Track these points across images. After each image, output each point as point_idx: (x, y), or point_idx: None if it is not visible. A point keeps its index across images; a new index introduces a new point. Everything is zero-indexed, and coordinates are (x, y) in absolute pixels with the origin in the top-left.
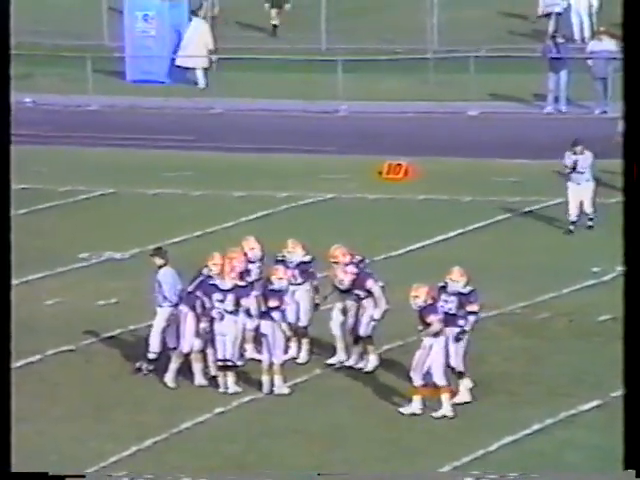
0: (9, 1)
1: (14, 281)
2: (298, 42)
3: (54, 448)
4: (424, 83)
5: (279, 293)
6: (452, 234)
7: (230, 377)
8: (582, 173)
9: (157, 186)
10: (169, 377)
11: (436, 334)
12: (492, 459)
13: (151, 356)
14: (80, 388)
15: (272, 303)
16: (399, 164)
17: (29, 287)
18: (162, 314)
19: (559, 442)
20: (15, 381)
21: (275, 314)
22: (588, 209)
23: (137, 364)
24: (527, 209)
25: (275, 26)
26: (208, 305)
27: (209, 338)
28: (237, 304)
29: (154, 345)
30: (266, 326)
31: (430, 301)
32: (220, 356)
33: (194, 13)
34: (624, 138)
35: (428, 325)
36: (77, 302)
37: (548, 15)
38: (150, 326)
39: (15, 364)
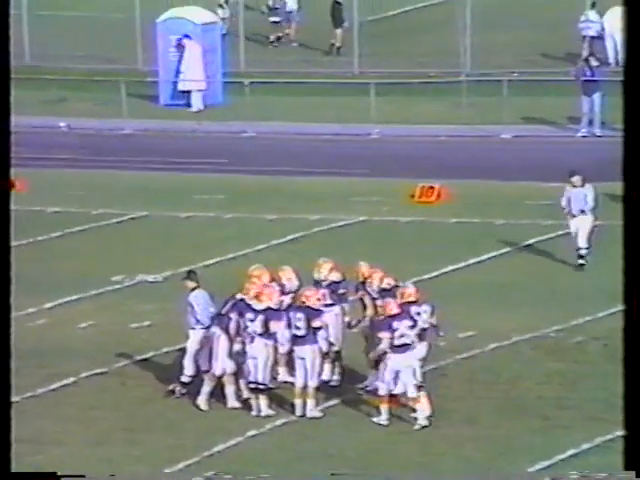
0: (8, 23)
1: (49, 304)
2: (331, 65)
3: (88, 471)
4: (457, 106)
5: (319, 313)
6: (485, 257)
7: (262, 400)
8: (579, 205)
9: (189, 209)
10: (202, 400)
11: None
12: None
13: (185, 379)
14: (113, 411)
15: (315, 324)
16: (431, 187)
17: (63, 310)
18: (195, 336)
19: (595, 468)
20: (49, 404)
21: (320, 334)
22: (582, 243)
23: (170, 387)
24: (561, 232)
25: (333, 45)
26: (241, 325)
27: (241, 361)
28: (266, 326)
29: (188, 368)
30: (306, 349)
31: (381, 317)
32: (252, 379)
33: (188, 36)
34: (624, 160)
35: (380, 340)
36: (110, 325)
37: (583, 38)
38: (183, 349)
39: (49, 387)
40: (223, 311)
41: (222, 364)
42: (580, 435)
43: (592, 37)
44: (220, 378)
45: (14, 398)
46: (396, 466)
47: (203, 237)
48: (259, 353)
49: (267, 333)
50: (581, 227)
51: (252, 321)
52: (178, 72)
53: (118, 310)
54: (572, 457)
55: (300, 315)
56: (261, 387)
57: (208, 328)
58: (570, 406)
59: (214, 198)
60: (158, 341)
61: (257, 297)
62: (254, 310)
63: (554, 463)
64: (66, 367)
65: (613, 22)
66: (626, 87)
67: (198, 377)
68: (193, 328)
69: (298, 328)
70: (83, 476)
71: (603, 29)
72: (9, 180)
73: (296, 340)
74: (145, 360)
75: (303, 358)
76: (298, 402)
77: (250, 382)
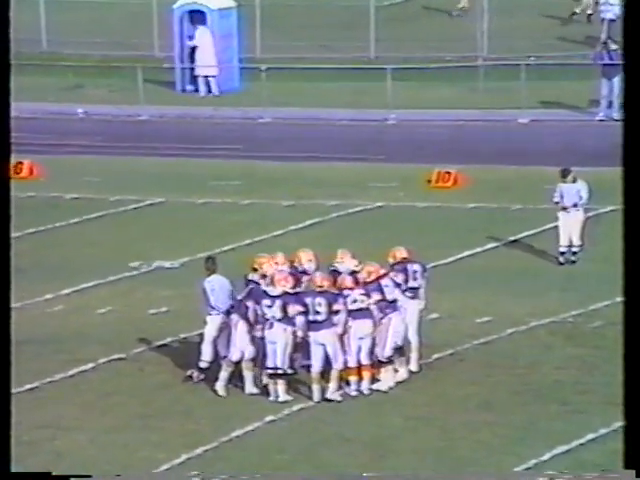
0: (9, 10)
1: (66, 290)
2: (347, 50)
3: (106, 456)
4: (474, 91)
5: (339, 297)
6: (502, 242)
7: (281, 385)
8: (571, 202)
9: (206, 195)
10: (220, 385)
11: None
12: (544, 469)
13: (203, 365)
14: (131, 397)
15: (336, 307)
16: (448, 172)
17: (81, 296)
18: (212, 322)
19: (613, 452)
20: (67, 390)
21: (337, 318)
22: (575, 240)
23: (188, 372)
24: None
25: (574, 14)
26: (259, 312)
27: (260, 347)
28: (284, 311)
29: (206, 354)
30: (325, 334)
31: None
32: (270, 364)
33: (204, 22)
34: (624, 145)
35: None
36: (128, 311)
37: (602, 20)
38: (201, 334)
39: (67, 373)
40: (240, 297)
41: (240, 350)
42: (598, 420)
43: (611, 20)
44: (238, 364)
45: (33, 384)
46: (413, 451)
47: (220, 223)
48: (279, 338)
49: (286, 318)
50: (574, 224)
51: (270, 307)
52: (193, 58)
53: (135, 296)
54: (590, 442)
55: (320, 300)
56: (280, 372)
57: (226, 314)
58: (588, 391)
59: (230, 184)
60: (176, 327)
61: (272, 283)
62: (270, 296)
63: (572, 448)
64: (84, 353)
65: None
66: (626, 72)
67: (216, 363)
68: (209, 314)
69: (318, 313)
70: (90, 476)
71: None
72: (8, 167)
73: (314, 325)
74: (163, 346)
75: (323, 344)
76: (316, 388)
77: (268, 368)
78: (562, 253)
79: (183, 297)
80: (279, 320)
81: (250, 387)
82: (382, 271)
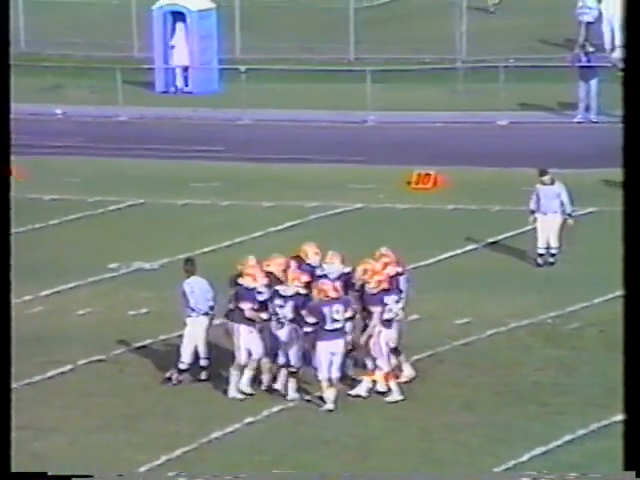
0: (8, 10)
1: (46, 291)
2: (326, 52)
3: (86, 457)
4: (453, 93)
5: (351, 302)
6: (482, 244)
7: (291, 383)
8: (549, 204)
9: (186, 196)
10: (245, 385)
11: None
12: (523, 470)
13: (182, 366)
14: (111, 398)
15: (348, 314)
16: (428, 174)
17: (60, 297)
18: (191, 324)
19: (591, 453)
20: (47, 391)
21: (349, 326)
22: (553, 242)
23: (167, 374)
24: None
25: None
26: (256, 308)
27: (264, 345)
28: (297, 312)
29: (185, 355)
30: (340, 343)
31: (373, 290)
32: (281, 362)
33: (183, 23)
34: (624, 146)
35: (369, 312)
36: (108, 312)
37: (580, 23)
38: (180, 336)
39: (47, 374)
40: (231, 305)
41: (246, 352)
42: (576, 421)
43: (589, 23)
44: (245, 366)
45: (12, 385)
46: (394, 452)
47: (199, 225)
48: (289, 339)
49: (297, 319)
50: (552, 226)
51: (282, 307)
52: (168, 59)
53: (115, 297)
54: (568, 443)
55: (338, 307)
56: (292, 369)
57: (206, 315)
58: (567, 392)
59: (210, 185)
60: (155, 328)
61: (285, 281)
62: (283, 296)
63: (550, 449)
64: (64, 354)
65: (611, 7)
66: (626, 72)
67: (195, 365)
68: (189, 316)
69: (336, 321)
70: (91, 476)
71: (600, 15)
72: (9, 167)
73: (331, 334)
74: (143, 347)
75: (334, 353)
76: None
77: (282, 365)
78: (540, 255)
79: (163, 299)
80: (290, 320)
81: (233, 391)
82: (388, 270)
